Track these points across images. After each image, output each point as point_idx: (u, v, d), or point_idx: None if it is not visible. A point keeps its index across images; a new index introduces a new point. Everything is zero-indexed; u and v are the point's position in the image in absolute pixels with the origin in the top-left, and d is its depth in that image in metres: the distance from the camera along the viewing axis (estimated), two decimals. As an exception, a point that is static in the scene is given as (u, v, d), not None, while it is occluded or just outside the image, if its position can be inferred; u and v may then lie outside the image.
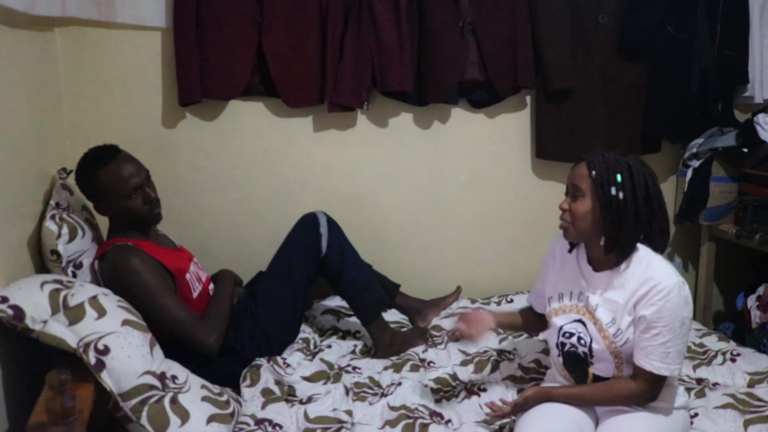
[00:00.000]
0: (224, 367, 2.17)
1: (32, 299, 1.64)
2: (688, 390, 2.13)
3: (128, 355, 1.70)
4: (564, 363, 1.90)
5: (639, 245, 1.78)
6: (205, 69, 2.60)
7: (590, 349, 1.81)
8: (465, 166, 3.04)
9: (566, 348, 1.87)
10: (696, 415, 1.98)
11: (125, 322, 1.75)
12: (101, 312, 1.72)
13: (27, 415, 1.46)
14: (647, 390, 1.74)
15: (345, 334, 2.62)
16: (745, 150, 2.97)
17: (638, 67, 3.07)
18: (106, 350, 1.66)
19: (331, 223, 2.45)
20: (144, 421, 1.68)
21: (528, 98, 3.06)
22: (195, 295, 2.24)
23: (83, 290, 1.76)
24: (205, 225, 2.78)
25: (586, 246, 1.85)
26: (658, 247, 1.80)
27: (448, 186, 3.04)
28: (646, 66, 3.08)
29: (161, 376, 1.77)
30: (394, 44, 2.69)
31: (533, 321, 2.13)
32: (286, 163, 2.83)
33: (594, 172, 1.72)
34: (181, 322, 2.08)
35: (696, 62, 3.07)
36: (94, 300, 1.73)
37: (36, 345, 1.68)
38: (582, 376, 1.87)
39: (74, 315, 1.67)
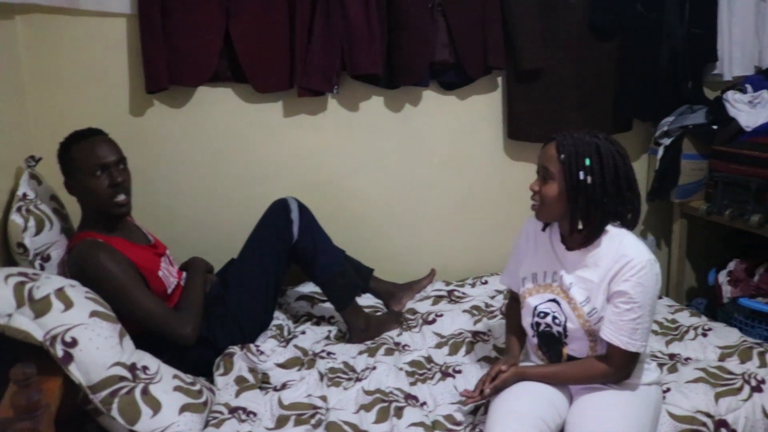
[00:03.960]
0: (197, 357, 2.15)
1: None
2: (661, 365, 2.16)
3: (97, 346, 1.68)
4: (538, 343, 1.92)
5: (610, 223, 1.78)
6: (172, 55, 2.56)
7: (565, 328, 1.82)
8: (437, 148, 3.03)
9: (541, 328, 1.88)
10: (669, 389, 2.00)
11: (93, 314, 1.73)
12: (68, 304, 1.69)
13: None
14: (621, 368, 1.75)
15: (319, 320, 2.62)
16: (715, 127, 2.99)
17: (608, 46, 3.07)
18: (73, 342, 1.65)
19: (302, 209, 2.44)
20: (115, 413, 1.68)
21: (499, 79, 3.05)
22: (170, 290, 2.23)
23: (49, 282, 1.73)
24: (177, 213, 2.75)
25: (559, 225, 1.86)
26: (629, 225, 1.81)
27: (420, 169, 3.03)
28: (616, 45, 3.08)
29: (132, 367, 1.76)
30: (363, 27, 2.67)
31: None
32: (256, 149, 2.81)
33: (563, 156, 1.71)
34: (155, 315, 2.06)
35: (666, 40, 3.07)
36: (60, 292, 1.70)
37: (2, 339, 1.65)
38: (556, 357, 1.88)
39: (40, 308, 1.65)
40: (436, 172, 3.05)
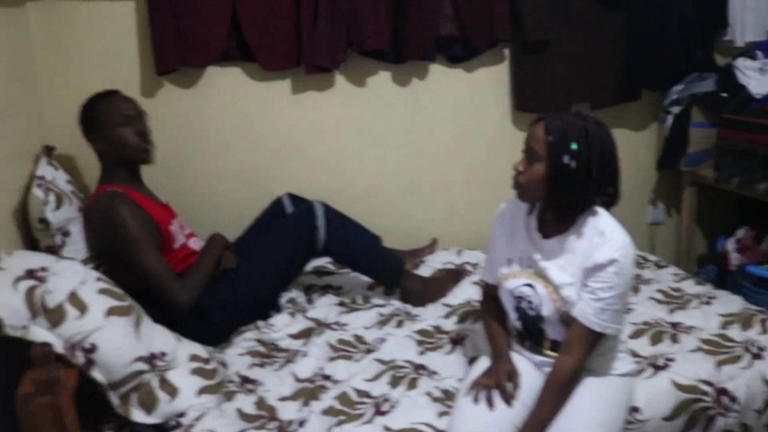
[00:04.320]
0: (190, 326, 2.16)
1: (7, 304, 1.64)
2: (661, 333, 2.20)
3: (116, 347, 1.72)
4: (522, 327, 1.86)
5: (588, 210, 1.73)
6: (181, 37, 2.60)
7: (540, 313, 1.78)
8: (445, 121, 3.05)
9: (524, 312, 1.83)
10: (673, 359, 2.02)
11: (109, 312, 1.75)
12: (82, 308, 1.71)
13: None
14: (583, 351, 1.70)
15: (329, 290, 2.63)
16: (725, 95, 2.98)
17: (616, 16, 3.05)
18: (93, 348, 1.68)
19: (329, 212, 2.43)
20: (133, 402, 1.74)
21: (506, 51, 3.05)
22: (177, 246, 2.31)
23: (59, 284, 1.72)
24: (187, 192, 2.79)
25: (539, 208, 1.81)
26: (607, 207, 1.76)
27: (428, 142, 3.05)
28: (624, 14, 3.06)
29: (150, 358, 1.79)
30: (368, 3, 2.69)
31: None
32: (265, 127, 2.85)
33: (550, 138, 1.65)
34: (157, 275, 2.14)
35: (675, 7, 3.04)
36: (73, 297, 1.71)
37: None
38: (538, 340, 1.84)
39: (55, 317, 1.67)
40: (444, 144, 3.08)
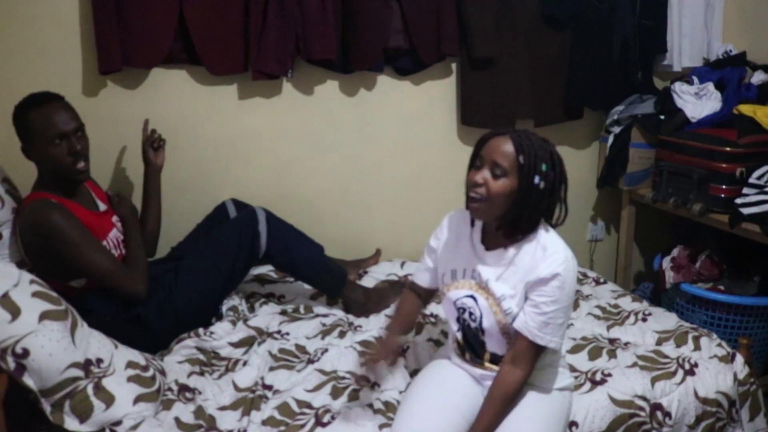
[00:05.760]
0: (127, 332, 2.11)
1: None
2: (600, 350, 2.23)
3: (49, 353, 1.66)
4: (463, 338, 1.87)
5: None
6: (126, 36, 2.54)
7: (480, 324, 1.79)
8: (391, 132, 3.06)
9: (466, 323, 1.84)
10: (610, 374, 2.07)
11: (42, 316, 1.69)
12: (15, 312, 1.64)
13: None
14: (528, 364, 1.72)
15: (271, 299, 2.62)
16: (663, 117, 3.07)
17: (561, 36, 3.12)
18: (25, 353, 1.62)
19: (271, 220, 2.41)
20: (66, 409, 1.69)
21: (453, 65, 3.08)
22: None
23: None
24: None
25: (484, 223, 1.81)
26: (555, 225, 1.79)
27: (374, 153, 3.06)
28: (568, 35, 3.13)
29: (85, 364, 1.74)
30: (317, 11, 2.68)
31: (419, 303, 2.05)
32: (211, 132, 2.80)
33: (522, 157, 1.64)
34: (107, 273, 2.10)
35: (617, 31, 3.14)
36: (5, 299, 1.64)
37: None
38: (478, 355, 1.86)
39: None
40: (389, 156, 3.09)
